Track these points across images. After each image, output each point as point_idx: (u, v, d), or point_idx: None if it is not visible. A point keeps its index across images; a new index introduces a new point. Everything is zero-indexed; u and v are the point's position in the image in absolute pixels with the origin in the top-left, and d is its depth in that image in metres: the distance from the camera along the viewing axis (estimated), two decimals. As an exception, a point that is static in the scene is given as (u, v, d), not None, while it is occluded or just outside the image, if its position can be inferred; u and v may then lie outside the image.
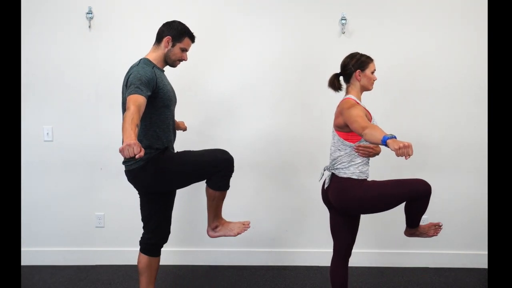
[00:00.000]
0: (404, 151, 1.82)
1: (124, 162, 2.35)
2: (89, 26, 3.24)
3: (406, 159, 1.86)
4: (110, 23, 3.25)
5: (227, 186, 2.38)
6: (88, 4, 3.21)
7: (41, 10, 3.22)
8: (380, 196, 2.20)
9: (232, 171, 2.35)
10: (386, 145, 1.90)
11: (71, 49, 3.26)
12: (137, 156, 1.81)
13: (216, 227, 2.47)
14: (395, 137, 1.91)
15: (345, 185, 2.26)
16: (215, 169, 2.28)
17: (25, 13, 3.20)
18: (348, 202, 2.25)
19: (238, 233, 2.44)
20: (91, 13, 3.22)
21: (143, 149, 1.84)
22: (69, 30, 3.25)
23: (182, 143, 2.92)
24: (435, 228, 2.45)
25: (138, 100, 2.08)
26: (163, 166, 2.29)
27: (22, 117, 3.25)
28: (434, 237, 3.37)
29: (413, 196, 2.19)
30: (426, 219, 3.40)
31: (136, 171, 2.30)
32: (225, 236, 2.47)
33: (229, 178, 2.36)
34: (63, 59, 3.26)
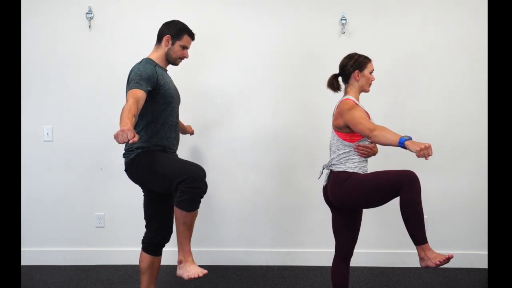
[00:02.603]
0: (425, 152, 1.85)
1: (123, 155, 2.39)
2: (89, 26, 3.24)
3: (427, 159, 1.88)
4: (110, 23, 3.25)
5: (188, 207, 2.13)
6: (88, 4, 3.21)
7: (41, 10, 3.22)
8: (366, 186, 2.17)
9: (197, 189, 2.12)
10: (404, 147, 1.91)
11: (71, 49, 3.26)
12: (130, 141, 1.83)
13: (180, 262, 2.21)
14: (411, 138, 1.93)
15: (339, 178, 2.27)
16: (179, 178, 2.12)
17: (25, 13, 3.19)
18: (340, 195, 2.26)
19: (189, 277, 2.14)
20: (91, 13, 3.22)
21: (137, 135, 1.86)
22: (69, 30, 3.25)
23: (181, 143, 2.92)
24: (443, 260, 2.05)
25: (136, 94, 2.12)
26: (145, 162, 2.29)
27: (22, 117, 3.24)
28: (434, 237, 3.40)
29: (397, 185, 2.06)
30: (426, 219, 3.40)
31: (128, 164, 2.35)
32: (181, 276, 2.19)
33: (194, 200, 2.14)
34: (63, 59, 3.26)
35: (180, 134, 2.89)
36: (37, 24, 3.23)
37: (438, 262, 2.03)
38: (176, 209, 2.17)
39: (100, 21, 3.25)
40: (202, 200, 3.16)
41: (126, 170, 2.38)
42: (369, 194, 2.18)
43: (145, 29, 3.19)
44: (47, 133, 3.31)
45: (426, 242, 2.10)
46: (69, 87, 3.29)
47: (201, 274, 2.13)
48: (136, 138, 1.85)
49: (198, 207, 2.19)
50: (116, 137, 1.83)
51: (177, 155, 2.54)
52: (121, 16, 3.25)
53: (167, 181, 2.18)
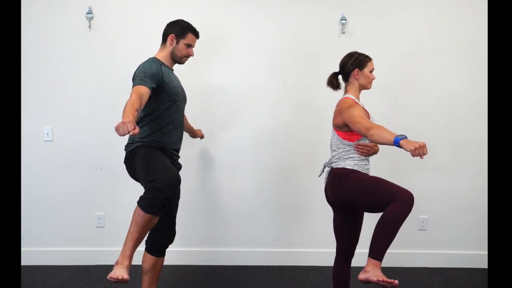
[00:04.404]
0: (420, 151, 1.83)
1: (124, 147, 2.42)
2: (89, 26, 3.24)
3: (422, 158, 1.87)
4: (110, 23, 3.25)
5: (145, 206, 2.07)
6: (88, 4, 3.21)
7: (41, 10, 3.22)
8: (363, 186, 2.16)
9: (161, 192, 2.06)
10: (399, 146, 1.90)
11: (71, 49, 3.25)
12: (131, 133, 1.84)
13: (117, 263, 2.05)
14: (406, 137, 1.92)
15: (338, 174, 2.27)
16: (151, 177, 2.11)
17: (25, 13, 3.19)
18: (340, 193, 2.25)
19: (110, 277, 1.97)
20: (91, 13, 3.22)
21: (137, 128, 1.87)
22: (69, 30, 3.24)
23: (182, 143, 2.92)
24: (385, 281, 1.95)
25: (140, 90, 2.15)
26: (139, 155, 2.30)
27: (22, 117, 3.24)
28: (434, 237, 3.40)
29: (391, 197, 2.02)
30: (426, 219, 3.41)
31: (127, 155, 2.39)
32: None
33: (154, 202, 2.06)
34: (63, 59, 3.26)
35: (188, 136, 2.91)
36: (37, 24, 3.23)
37: (381, 279, 1.94)
38: (136, 206, 2.11)
39: (100, 21, 3.25)
40: (201, 202, 3.16)
41: (125, 162, 2.41)
42: (363, 195, 2.16)
43: (145, 29, 3.20)
44: (47, 133, 3.31)
45: (381, 260, 2.02)
46: (69, 87, 3.28)
47: (120, 277, 1.95)
48: (136, 130, 1.85)
49: (156, 213, 2.08)
50: (117, 129, 1.84)
51: (179, 156, 2.54)
52: (121, 16, 3.25)
53: (145, 177, 2.17)
